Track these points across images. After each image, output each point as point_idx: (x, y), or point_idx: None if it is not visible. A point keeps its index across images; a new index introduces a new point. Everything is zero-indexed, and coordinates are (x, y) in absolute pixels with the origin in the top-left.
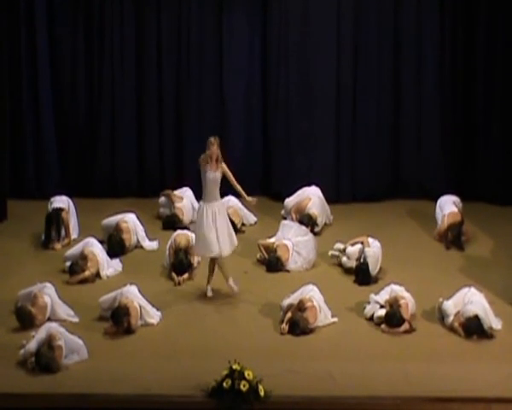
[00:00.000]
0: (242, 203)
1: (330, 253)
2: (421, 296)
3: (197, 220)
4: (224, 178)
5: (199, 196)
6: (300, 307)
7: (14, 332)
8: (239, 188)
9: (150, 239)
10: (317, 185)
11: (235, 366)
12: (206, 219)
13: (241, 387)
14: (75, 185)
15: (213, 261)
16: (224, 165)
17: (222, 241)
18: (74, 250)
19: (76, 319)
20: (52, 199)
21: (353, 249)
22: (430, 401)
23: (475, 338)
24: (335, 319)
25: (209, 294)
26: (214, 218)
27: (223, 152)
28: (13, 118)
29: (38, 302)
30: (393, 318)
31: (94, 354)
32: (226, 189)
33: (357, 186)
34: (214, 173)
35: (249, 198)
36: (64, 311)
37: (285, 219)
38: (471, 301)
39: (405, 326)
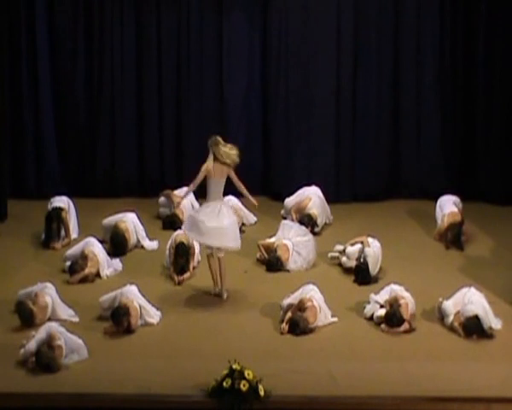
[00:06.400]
0: (242, 203)
1: (330, 254)
2: (421, 296)
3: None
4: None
5: (199, 195)
6: (300, 306)
7: (14, 332)
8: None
9: (150, 239)
10: (317, 185)
11: (235, 366)
12: (209, 209)
13: (241, 387)
14: (75, 185)
15: (214, 262)
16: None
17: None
18: (74, 250)
19: (76, 319)
20: (52, 199)
21: (353, 249)
22: (430, 401)
23: (475, 338)
24: (335, 319)
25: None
26: (218, 211)
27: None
28: (13, 118)
29: (39, 302)
30: (393, 318)
31: (94, 353)
32: (226, 189)
33: (357, 186)
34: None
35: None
36: (64, 311)
37: (285, 219)
38: (471, 300)
39: (405, 326)
